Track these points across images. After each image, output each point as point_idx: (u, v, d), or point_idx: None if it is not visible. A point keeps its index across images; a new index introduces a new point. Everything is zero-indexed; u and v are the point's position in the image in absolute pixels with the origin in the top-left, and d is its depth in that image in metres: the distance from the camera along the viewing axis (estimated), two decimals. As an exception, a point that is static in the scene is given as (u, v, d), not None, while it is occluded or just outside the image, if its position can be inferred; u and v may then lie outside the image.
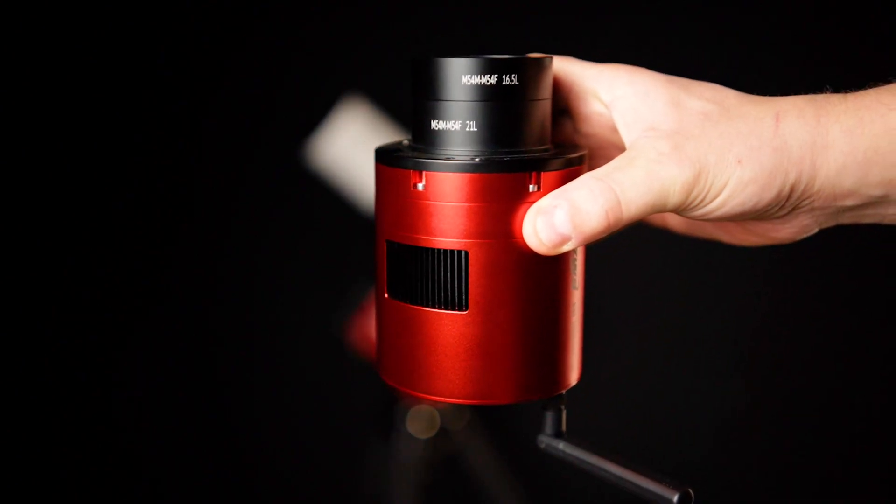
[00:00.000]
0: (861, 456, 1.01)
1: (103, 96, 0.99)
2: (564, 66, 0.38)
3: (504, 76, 0.34)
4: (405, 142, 0.39)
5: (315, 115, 0.93)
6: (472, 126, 0.34)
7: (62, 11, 0.96)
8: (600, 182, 0.32)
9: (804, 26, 0.94)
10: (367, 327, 0.88)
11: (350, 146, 0.88)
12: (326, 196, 0.92)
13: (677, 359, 1.02)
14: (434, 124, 0.35)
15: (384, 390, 0.94)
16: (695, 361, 1.02)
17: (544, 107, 0.36)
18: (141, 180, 1.02)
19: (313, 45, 1.01)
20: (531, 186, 0.34)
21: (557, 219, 0.32)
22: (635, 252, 0.97)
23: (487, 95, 0.34)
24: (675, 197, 0.33)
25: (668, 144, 0.33)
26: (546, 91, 0.36)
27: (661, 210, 0.33)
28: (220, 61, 1.01)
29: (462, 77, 0.34)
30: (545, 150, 0.36)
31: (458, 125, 0.35)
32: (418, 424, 0.93)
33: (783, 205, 0.35)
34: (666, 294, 1.01)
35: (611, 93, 0.37)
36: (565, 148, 0.37)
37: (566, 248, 0.33)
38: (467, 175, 0.33)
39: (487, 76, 0.34)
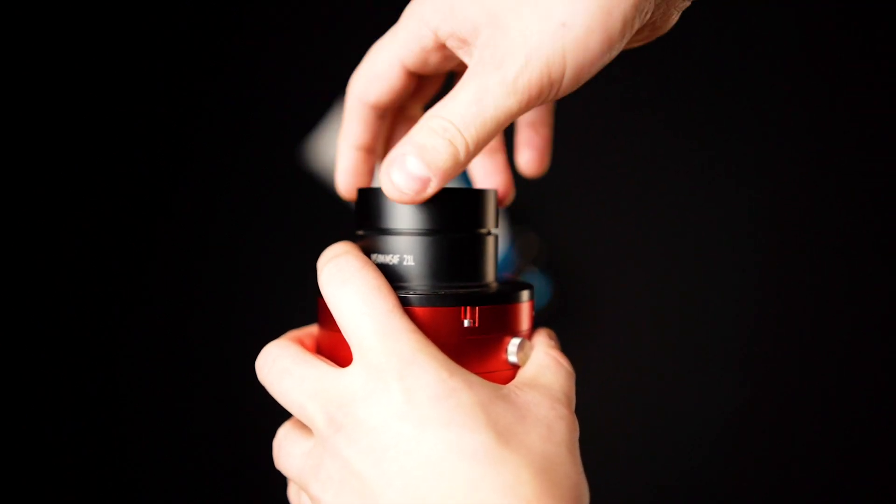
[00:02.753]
0: (863, 455, 1.01)
1: (95, 93, 0.99)
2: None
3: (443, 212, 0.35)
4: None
5: (314, 114, 0.93)
6: (409, 260, 0.35)
7: (49, 6, 0.96)
8: (435, 117, 0.32)
9: (804, 26, 0.94)
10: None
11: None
12: (325, 196, 0.92)
13: (677, 358, 1.02)
14: (374, 258, 0.35)
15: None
16: (695, 360, 1.02)
17: (489, 241, 0.37)
18: (140, 180, 1.02)
19: (313, 45, 1.01)
20: (466, 321, 0.34)
21: (410, 164, 0.32)
22: (636, 251, 0.97)
23: (427, 230, 0.35)
24: (514, 105, 0.31)
25: (487, 54, 0.31)
26: (490, 223, 0.36)
27: (510, 118, 0.32)
28: (216, 60, 1.01)
29: (401, 211, 0.35)
30: (484, 286, 0.36)
31: (395, 259, 0.35)
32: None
33: (634, 26, 0.31)
34: (666, 293, 1.01)
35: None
36: (509, 284, 0.38)
37: (430, 190, 0.32)
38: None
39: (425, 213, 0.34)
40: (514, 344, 0.36)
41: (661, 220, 0.98)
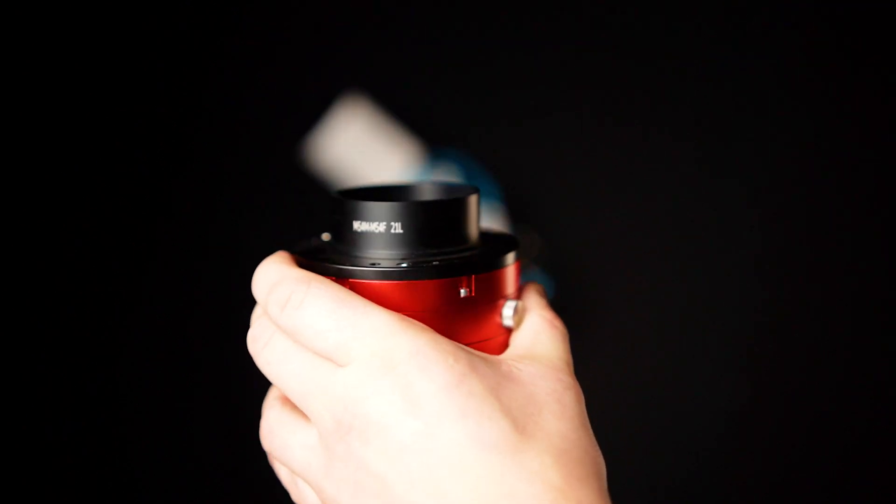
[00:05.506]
0: (866, 455, 1.00)
1: (95, 93, 0.99)
2: None
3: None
4: (325, 236, 0.38)
5: (314, 114, 0.93)
6: (396, 228, 0.33)
7: (49, 6, 0.96)
8: None
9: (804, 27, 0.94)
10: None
11: (349, 147, 0.87)
12: (326, 196, 0.92)
13: (679, 357, 1.02)
14: (356, 226, 0.34)
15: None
16: (697, 360, 1.02)
17: (474, 200, 0.35)
18: (140, 180, 1.02)
19: (312, 44, 1.00)
20: (462, 291, 0.33)
21: None
22: (638, 251, 0.96)
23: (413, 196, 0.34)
24: None
25: None
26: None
27: None
28: (216, 60, 1.01)
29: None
30: (473, 249, 0.35)
31: (381, 227, 0.34)
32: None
33: None
34: (668, 292, 1.01)
35: None
36: (496, 242, 0.36)
37: None
38: (391, 283, 0.32)
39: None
40: (509, 307, 0.35)
41: (663, 220, 0.98)
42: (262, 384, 0.36)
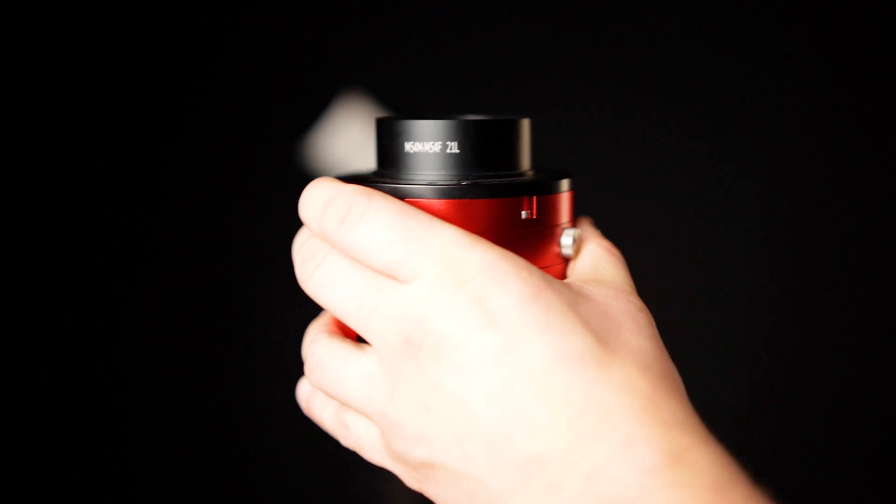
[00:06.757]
0: (868, 457, 1.00)
1: (94, 93, 0.99)
2: None
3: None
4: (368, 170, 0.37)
5: (312, 111, 0.93)
6: (452, 148, 0.32)
7: (49, 5, 0.96)
8: None
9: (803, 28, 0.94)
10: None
11: (349, 146, 0.87)
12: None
13: (681, 356, 1.02)
14: (409, 146, 0.32)
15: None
16: (699, 359, 1.02)
17: (527, 125, 0.34)
18: (140, 180, 1.02)
19: (312, 44, 1.00)
20: (524, 213, 0.31)
21: None
22: (639, 250, 0.96)
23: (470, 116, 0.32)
24: None
25: None
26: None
27: None
28: (217, 59, 1.01)
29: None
30: (527, 173, 0.34)
31: (437, 146, 0.32)
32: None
33: None
34: (670, 290, 1.01)
35: None
36: (550, 171, 0.35)
37: None
38: (451, 201, 0.30)
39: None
40: (567, 235, 0.33)
41: (664, 219, 0.97)
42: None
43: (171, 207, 1.03)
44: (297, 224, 0.38)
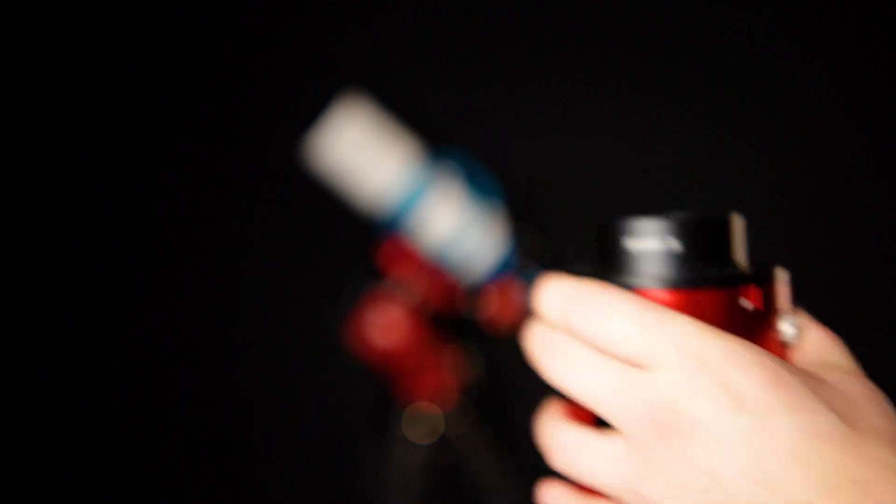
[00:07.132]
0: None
1: (94, 92, 0.99)
2: None
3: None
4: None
5: (313, 114, 0.93)
6: (673, 244, 0.34)
7: (48, 5, 0.96)
8: None
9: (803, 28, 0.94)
10: (362, 327, 0.87)
11: (349, 146, 0.87)
12: (326, 196, 0.91)
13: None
14: (628, 244, 0.34)
15: (382, 393, 0.93)
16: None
17: (740, 221, 0.36)
18: (140, 180, 1.02)
19: (312, 44, 1.00)
20: (745, 303, 0.33)
21: None
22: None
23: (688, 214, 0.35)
24: None
25: None
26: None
27: None
28: (215, 60, 1.01)
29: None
30: (744, 266, 0.35)
31: (658, 244, 0.34)
32: (418, 430, 0.92)
33: None
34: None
35: None
36: (760, 263, 0.37)
37: None
38: (680, 293, 0.32)
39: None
40: (790, 324, 0.34)
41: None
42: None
43: (172, 207, 1.03)
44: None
